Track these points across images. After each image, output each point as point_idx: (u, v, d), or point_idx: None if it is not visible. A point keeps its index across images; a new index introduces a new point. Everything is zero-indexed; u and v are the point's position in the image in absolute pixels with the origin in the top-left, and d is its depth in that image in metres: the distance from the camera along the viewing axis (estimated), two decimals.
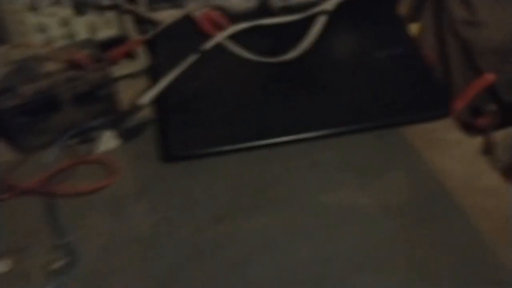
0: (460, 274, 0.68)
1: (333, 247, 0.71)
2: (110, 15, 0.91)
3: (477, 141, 0.84)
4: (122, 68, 0.89)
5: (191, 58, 0.87)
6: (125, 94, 0.87)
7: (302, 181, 0.79)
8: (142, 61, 0.91)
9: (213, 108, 0.84)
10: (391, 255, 0.70)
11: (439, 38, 1.16)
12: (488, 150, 0.97)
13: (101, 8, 0.90)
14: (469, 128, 0.90)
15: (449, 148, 0.83)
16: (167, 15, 0.94)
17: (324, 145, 0.82)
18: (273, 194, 0.77)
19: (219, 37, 0.91)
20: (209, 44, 0.90)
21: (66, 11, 0.88)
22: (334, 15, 0.93)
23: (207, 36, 0.91)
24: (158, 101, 0.85)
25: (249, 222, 0.74)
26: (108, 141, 0.83)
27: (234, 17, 0.95)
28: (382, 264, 0.69)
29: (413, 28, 0.98)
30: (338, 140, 0.82)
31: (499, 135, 1.05)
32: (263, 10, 0.97)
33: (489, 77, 0.89)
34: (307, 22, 0.92)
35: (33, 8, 0.86)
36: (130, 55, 0.91)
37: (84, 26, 0.90)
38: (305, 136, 0.80)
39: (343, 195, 0.77)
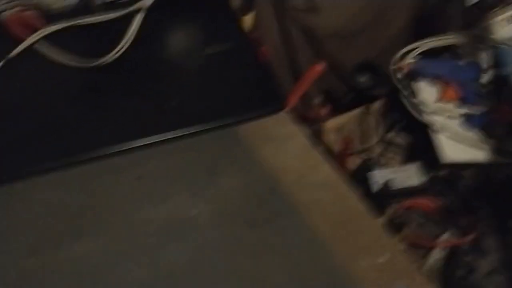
0: (297, 278, 0.67)
1: (165, 265, 0.67)
2: None
3: (309, 134, 0.83)
4: None
5: None
6: None
7: (128, 196, 0.73)
8: None
9: (24, 123, 0.74)
10: (228, 266, 0.67)
11: (280, 28, 1.16)
12: (319, 140, 0.99)
13: None
14: (304, 120, 0.90)
15: (283, 144, 0.81)
16: None
17: (151, 154, 0.76)
18: (96, 214, 0.71)
19: (29, 40, 0.81)
20: (17, 50, 0.80)
21: None
22: (160, 11, 0.87)
23: (16, 41, 0.81)
24: None
25: (67, 250, 0.67)
26: None
27: (52, 16, 0.85)
28: (218, 276, 0.66)
29: (246, 21, 0.95)
30: (165, 147, 0.76)
31: (335, 121, 1.07)
32: (84, 7, 0.88)
33: (319, 67, 0.89)
34: (129, 20, 0.85)
35: None
36: None
37: None
38: (129, 146, 0.74)
39: (172, 207, 0.72)
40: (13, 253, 0.66)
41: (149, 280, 0.65)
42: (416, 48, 1.04)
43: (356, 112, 1.08)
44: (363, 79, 1.15)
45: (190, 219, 0.72)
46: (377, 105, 1.10)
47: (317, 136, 1.00)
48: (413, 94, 0.98)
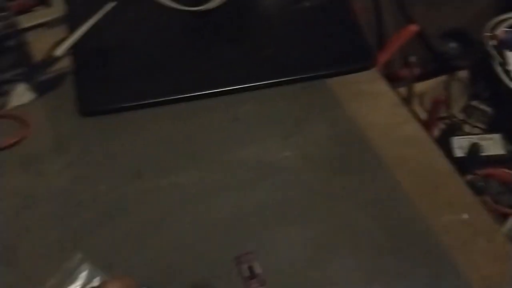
0: (379, 226, 0.69)
1: (254, 202, 0.71)
2: None
3: (399, 93, 0.84)
4: (36, 17, 0.83)
5: (108, 6, 0.82)
6: (40, 44, 0.82)
7: (223, 136, 0.78)
8: (57, 8, 0.85)
9: (133, 60, 0.80)
10: (312, 208, 0.71)
11: None
12: (409, 100, 1.00)
13: None
14: (393, 79, 0.91)
15: (371, 100, 0.83)
16: None
17: (246, 98, 0.80)
18: (194, 150, 0.76)
19: None
20: None
21: None
22: None
23: None
24: (74, 52, 0.81)
25: (168, 178, 0.73)
26: (22, 95, 0.79)
27: None
28: (303, 217, 0.70)
29: None
30: (260, 93, 0.80)
31: (421, 86, 1.07)
32: None
33: (413, 28, 0.89)
34: None
35: None
36: (44, 2, 0.85)
37: None
38: (227, 88, 0.79)
39: (264, 149, 0.77)
40: (119, 176, 0.73)
41: (239, 215, 0.70)
42: (510, 18, 1.02)
43: (442, 78, 1.08)
44: (450, 46, 1.14)
45: (280, 161, 0.76)
46: (463, 73, 1.09)
47: (405, 96, 1.01)
48: (505, 62, 0.97)
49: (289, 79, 0.80)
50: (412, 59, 1.03)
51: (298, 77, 0.81)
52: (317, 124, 0.80)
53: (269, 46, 0.83)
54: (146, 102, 0.77)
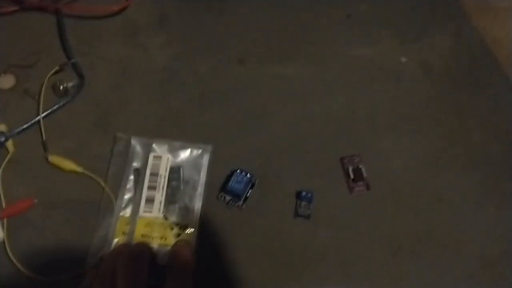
0: (499, 149, 0.63)
1: (363, 104, 0.66)
2: None
3: None
4: None
5: None
6: None
7: (335, 33, 0.72)
8: None
9: None
10: (427, 120, 0.65)
11: None
12: None
13: None
14: None
15: (500, 16, 0.75)
16: None
17: None
18: (304, 43, 0.70)
19: None
20: None
21: None
22: None
23: None
24: None
25: (274, 68, 0.68)
26: None
27: None
28: (415, 128, 0.64)
29: None
30: None
31: None
32: None
33: None
34: None
35: None
36: None
37: None
38: None
39: (379, 51, 0.70)
40: (221, 60, 0.68)
41: (347, 116, 0.65)
42: None
43: None
44: None
45: (396, 66, 0.69)
46: None
47: None
48: None
49: None
50: None
51: None
52: (441, 34, 0.72)
53: None
54: None
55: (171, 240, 0.54)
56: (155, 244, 0.54)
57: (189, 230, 0.55)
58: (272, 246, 0.56)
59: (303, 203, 0.58)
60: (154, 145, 0.59)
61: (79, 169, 0.58)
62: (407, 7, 0.74)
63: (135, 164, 0.58)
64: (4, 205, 0.56)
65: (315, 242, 0.56)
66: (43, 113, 0.61)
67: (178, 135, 0.61)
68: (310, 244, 0.56)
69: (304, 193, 0.58)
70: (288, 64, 0.68)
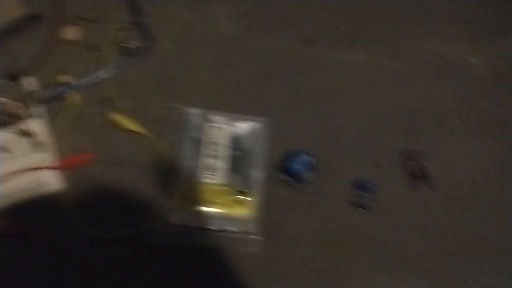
0: None
1: (431, 100, 0.64)
2: None
3: None
4: None
5: None
6: None
7: (405, 24, 0.69)
8: None
9: None
10: (499, 123, 0.63)
11: None
12: None
13: None
14: None
15: None
16: None
17: None
18: (373, 31, 0.68)
19: None
20: None
21: None
22: None
23: None
24: None
25: (342, 53, 0.66)
26: None
27: None
28: (485, 130, 0.63)
29: None
30: None
31: None
32: None
33: None
34: None
35: None
36: None
37: None
38: None
39: (448, 47, 0.68)
40: (289, 38, 0.67)
41: (413, 110, 0.63)
42: None
43: None
44: None
45: (464, 64, 0.67)
46: None
47: None
48: None
49: None
50: None
51: None
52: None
53: None
54: None
55: (232, 206, 0.54)
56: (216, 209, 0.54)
57: (250, 198, 0.55)
58: (328, 230, 0.55)
59: (364, 193, 0.56)
60: (213, 116, 0.58)
61: (139, 129, 0.57)
62: (483, 7, 0.72)
63: (194, 134, 0.57)
64: (60, 156, 0.55)
65: (373, 232, 0.55)
66: (106, 69, 0.60)
67: (238, 108, 0.60)
68: (367, 234, 0.55)
69: (365, 184, 0.56)
70: (358, 50, 0.66)
